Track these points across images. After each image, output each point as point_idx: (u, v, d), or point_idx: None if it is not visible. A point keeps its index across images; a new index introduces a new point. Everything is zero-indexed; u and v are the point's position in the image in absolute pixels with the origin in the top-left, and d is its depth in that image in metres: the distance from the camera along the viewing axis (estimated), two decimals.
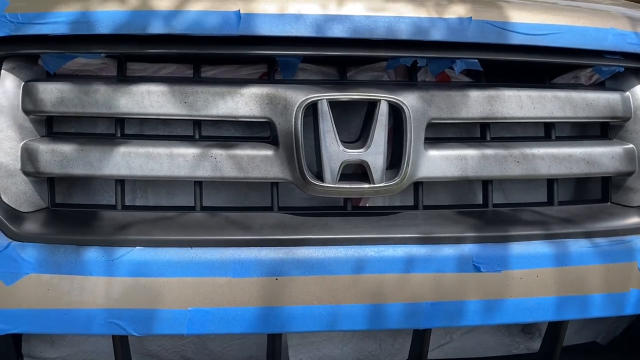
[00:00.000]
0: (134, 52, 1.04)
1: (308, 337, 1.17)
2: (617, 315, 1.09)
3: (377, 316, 1.00)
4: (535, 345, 1.25)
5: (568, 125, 1.24)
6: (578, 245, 1.06)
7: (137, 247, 0.97)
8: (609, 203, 1.18)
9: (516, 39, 1.08)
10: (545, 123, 1.16)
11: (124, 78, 1.07)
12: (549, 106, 1.11)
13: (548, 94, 1.11)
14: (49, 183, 1.06)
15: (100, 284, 0.96)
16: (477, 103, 1.08)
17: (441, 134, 1.16)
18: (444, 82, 1.16)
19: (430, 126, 1.06)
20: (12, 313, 0.97)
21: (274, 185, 1.07)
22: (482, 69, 1.10)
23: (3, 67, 1.01)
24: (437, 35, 1.04)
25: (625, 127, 1.16)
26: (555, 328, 1.13)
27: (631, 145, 1.15)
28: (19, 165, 1.02)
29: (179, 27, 1.00)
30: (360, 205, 1.14)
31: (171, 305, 0.97)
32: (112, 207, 1.06)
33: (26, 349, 1.14)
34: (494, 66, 1.14)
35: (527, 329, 1.26)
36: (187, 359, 1.17)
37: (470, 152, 1.07)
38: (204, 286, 0.97)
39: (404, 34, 1.03)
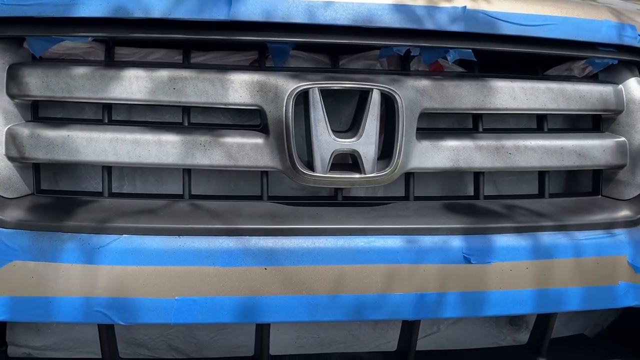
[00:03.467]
0: (122, 36, 1.01)
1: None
2: (606, 307, 1.09)
3: (366, 307, 1.00)
4: (522, 337, 1.25)
5: (560, 118, 1.23)
6: (568, 238, 1.06)
7: (124, 235, 0.96)
8: (600, 196, 1.18)
9: (510, 30, 1.07)
10: (537, 115, 1.16)
11: (111, 63, 1.05)
12: (541, 98, 1.11)
13: (541, 85, 1.11)
14: (34, 169, 1.04)
15: (86, 272, 0.95)
16: (470, 94, 1.07)
17: (433, 124, 1.15)
18: (437, 72, 1.15)
19: (423, 116, 1.05)
20: None
21: (264, 174, 1.06)
22: (475, 59, 1.09)
23: None
24: (431, 24, 1.03)
25: (617, 120, 1.16)
26: (544, 320, 1.13)
27: (623, 139, 1.15)
28: (3, 151, 1.00)
29: (168, 11, 0.98)
30: (345, 195, 1.13)
31: (158, 294, 0.95)
32: (99, 194, 1.04)
33: (11, 337, 1.12)
34: (487, 57, 1.13)
35: (514, 320, 1.26)
36: (174, 348, 1.17)
37: (462, 143, 1.07)
38: (192, 275, 0.96)
39: (397, 22, 1.02)
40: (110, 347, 1.05)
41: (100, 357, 1.08)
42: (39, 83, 0.99)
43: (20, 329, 1.12)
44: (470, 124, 1.14)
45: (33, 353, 1.14)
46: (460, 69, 1.17)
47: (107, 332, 1.03)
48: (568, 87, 1.12)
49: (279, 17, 1.00)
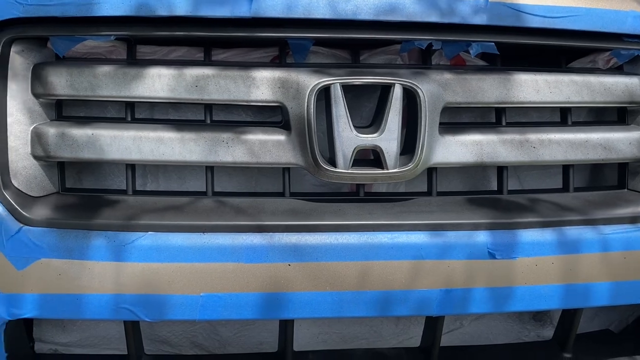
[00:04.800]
0: (144, 35, 1.02)
1: None
2: (633, 303, 1.08)
3: (391, 303, 0.99)
4: (546, 332, 1.24)
5: (585, 110, 1.21)
6: (595, 232, 1.05)
7: (149, 232, 0.96)
8: (626, 190, 1.16)
9: (534, 22, 1.05)
10: (561, 108, 1.14)
11: (134, 61, 1.06)
12: (565, 91, 1.09)
13: (565, 78, 1.09)
14: (59, 167, 1.05)
15: (111, 270, 0.96)
16: (493, 87, 1.06)
17: (456, 118, 1.14)
18: (459, 66, 1.14)
19: (445, 111, 1.05)
20: (24, 298, 0.97)
21: (286, 170, 1.06)
22: (498, 53, 1.08)
23: (12, 50, 1.00)
24: (453, 17, 1.02)
25: None
26: (570, 316, 1.12)
27: None
28: (29, 150, 1.01)
29: (189, 8, 0.98)
30: (367, 191, 1.13)
31: (183, 290, 0.96)
32: (123, 192, 1.05)
33: (37, 334, 1.14)
34: (510, 49, 1.12)
35: (538, 316, 1.25)
36: (197, 345, 1.17)
37: (486, 138, 1.05)
38: (216, 272, 0.96)
39: (419, 15, 1.01)
40: (136, 343, 1.06)
41: (124, 353, 1.09)
42: (63, 82, 1.00)
43: (47, 325, 1.14)
44: (493, 118, 1.13)
45: (59, 349, 1.15)
46: (482, 63, 1.16)
47: (132, 328, 1.04)
48: (592, 79, 1.11)
49: (299, 12, 0.99)
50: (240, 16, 0.98)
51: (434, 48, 1.08)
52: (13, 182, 1.00)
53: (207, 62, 1.07)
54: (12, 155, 1.00)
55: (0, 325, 0.98)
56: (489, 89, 1.06)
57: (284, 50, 1.08)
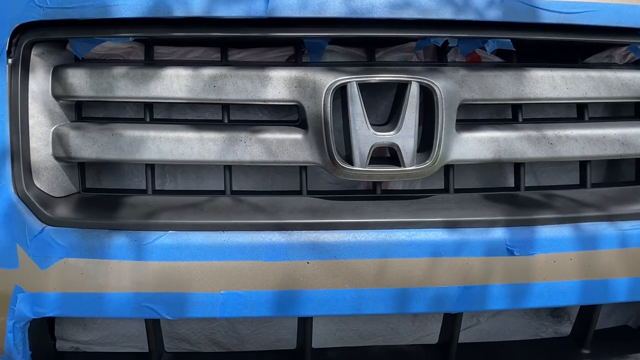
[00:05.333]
0: (161, 36, 1.03)
1: None
2: None
3: (409, 299, 1.00)
4: (564, 329, 1.24)
5: (601, 106, 1.21)
6: (613, 228, 1.04)
7: (169, 231, 0.97)
8: None
9: (549, 18, 1.05)
10: (578, 104, 1.14)
11: (152, 62, 1.07)
12: (582, 86, 1.09)
13: (581, 73, 1.09)
14: (80, 168, 1.07)
15: (133, 268, 0.97)
16: (509, 84, 1.06)
17: (472, 115, 1.14)
18: (475, 63, 1.14)
19: (462, 108, 1.05)
20: (47, 297, 0.98)
21: (303, 169, 1.07)
22: (514, 49, 1.07)
23: (33, 53, 1.01)
24: (469, 14, 1.02)
25: None
26: (588, 312, 1.12)
27: None
28: (50, 151, 1.03)
29: (206, 9, 0.99)
30: (383, 188, 1.13)
31: (204, 288, 0.97)
32: (143, 192, 1.06)
33: (59, 332, 1.15)
34: (526, 46, 1.12)
35: (555, 312, 1.25)
36: (215, 342, 1.18)
37: (503, 134, 1.06)
38: (236, 270, 0.97)
39: (434, 12, 1.01)
40: (156, 340, 1.07)
41: (144, 351, 1.11)
42: (82, 84, 1.02)
43: (68, 323, 1.15)
44: (509, 115, 1.13)
45: (80, 347, 1.17)
46: (498, 59, 1.16)
47: (153, 326, 1.05)
48: (609, 74, 1.10)
49: (315, 11, 1.00)
50: (257, 16, 0.99)
51: (449, 45, 1.08)
52: (35, 183, 1.01)
53: (224, 62, 1.08)
54: (34, 157, 1.01)
55: (24, 324, 1.00)
56: (505, 85, 1.06)
57: (300, 49, 1.09)
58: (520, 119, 1.10)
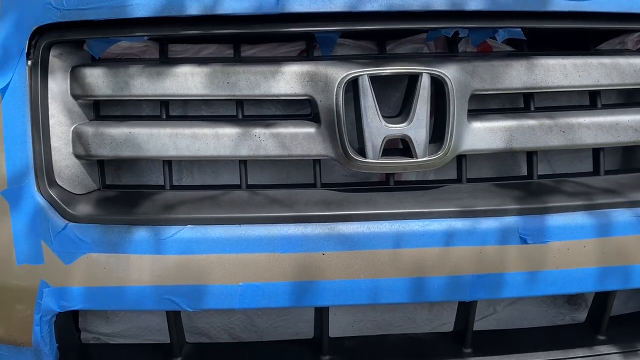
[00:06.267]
0: (175, 34, 1.05)
1: None
2: None
3: (423, 289, 1.01)
4: (581, 316, 1.24)
5: (614, 93, 1.20)
6: (627, 215, 1.04)
7: (188, 226, 1.00)
8: None
9: (560, 5, 1.04)
10: (590, 91, 1.14)
11: (167, 60, 1.09)
12: (594, 74, 1.09)
13: (594, 61, 1.09)
14: (100, 165, 1.10)
15: (153, 262, 1.00)
16: (520, 73, 1.06)
17: (484, 105, 1.15)
18: (486, 53, 1.14)
19: (473, 98, 1.05)
20: (72, 291, 1.01)
21: (316, 162, 1.08)
22: (525, 38, 1.08)
23: (51, 54, 1.04)
24: (478, 4, 1.02)
25: None
26: (603, 298, 1.12)
27: None
28: (70, 149, 1.06)
29: (218, 6, 1.00)
30: (396, 180, 1.14)
31: (222, 280, 0.99)
32: (161, 187, 1.09)
33: (82, 324, 1.19)
34: (536, 34, 1.12)
35: (572, 300, 1.25)
36: (234, 336, 1.21)
37: (515, 123, 1.06)
38: (254, 262, 0.99)
39: (444, 3, 1.02)
40: (177, 332, 1.10)
41: (165, 342, 1.14)
42: (100, 83, 1.04)
43: (91, 316, 1.19)
44: (521, 104, 1.13)
45: (103, 339, 1.20)
46: (509, 48, 1.16)
47: (174, 318, 1.08)
48: (622, 61, 1.10)
49: (325, 6, 1.01)
50: (268, 12, 1.00)
51: (460, 36, 1.08)
52: (57, 181, 1.04)
53: (237, 58, 1.09)
54: (55, 155, 1.04)
55: (50, 317, 1.03)
56: (516, 74, 1.06)
57: (311, 43, 1.10)
58: (532, 108, 1.10)
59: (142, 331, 1.21)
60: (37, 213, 1.01)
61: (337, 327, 1.19)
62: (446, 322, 1.21)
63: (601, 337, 1.14)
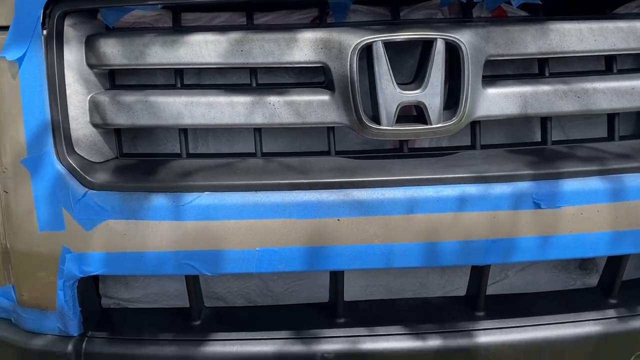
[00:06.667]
0: (189, 2, 1.05)
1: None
2: None
3: (438, 253, 1.03)
4: (593, 281, 1.25)
5: (630, 58, 1.19)
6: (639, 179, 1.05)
7: (206, 193, 1.01)
8: None
9: None
10: (606, 56, 1.12)
11: (180, 28, 1.09)
12: (610, 38, 1.07)
13: (610, 25, 1.07)
14: (117, 134, 1.11)
15: (172, 228, 1.02)
16: (535, 38, 1.05)
17: (498, 71, 1.14)
18: (500, 18, 1.13)
19: (488, 63, 1.05)
20: (93, 257, 1.04)
21: (330, 129, 1.09)
22: (540, 2, 1.06)
23: (66, 23, 1.04)
24: None
25: None
26: (615, 262, 1.13)
27: None
28: (88, 118, 1.07)
29: None
30: (410, 147, 1.14)
31: (240, 246, 1.02)
32: (177, 155, 1.10)
33: (103, 290, 1.22)
34: None
35: (584, 264, 1.26)
36: (250, 301, 1.23)
37: (529, 89, 1.06)
38: (271, 227, 1.01)
39: None
40: (196, 296, 1.13)
41: (184, 306, 1.17)
42: (114, 52, 1.05)
43: (111, 282, 1.22)
44: (536, 69, 1.12)
45: (123, 304, 1.23)
46: (524, 13, 1.15)
47: (193, 282, 1.11)
48: (639, 25, 1.08)
49: None
50: None
51: (474, 1, 1.07)
52: (76, 149, 1.06)
53: (250, 26, 1.09)
54: (73, 124, 1.06)
55: (73, 282, 1.06)
56: (531, 40, 1.05)
57: (324, 10, 1.09)
58: (547, 73, 1.10)
59: (161, 297, 1.24)
60: (57, 181, 1.03)
61: (350, 292, 1.21)
62: (458, 287, 1.23)
63: (613, 301, 1.15)
